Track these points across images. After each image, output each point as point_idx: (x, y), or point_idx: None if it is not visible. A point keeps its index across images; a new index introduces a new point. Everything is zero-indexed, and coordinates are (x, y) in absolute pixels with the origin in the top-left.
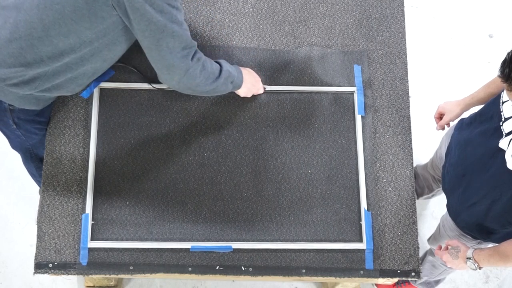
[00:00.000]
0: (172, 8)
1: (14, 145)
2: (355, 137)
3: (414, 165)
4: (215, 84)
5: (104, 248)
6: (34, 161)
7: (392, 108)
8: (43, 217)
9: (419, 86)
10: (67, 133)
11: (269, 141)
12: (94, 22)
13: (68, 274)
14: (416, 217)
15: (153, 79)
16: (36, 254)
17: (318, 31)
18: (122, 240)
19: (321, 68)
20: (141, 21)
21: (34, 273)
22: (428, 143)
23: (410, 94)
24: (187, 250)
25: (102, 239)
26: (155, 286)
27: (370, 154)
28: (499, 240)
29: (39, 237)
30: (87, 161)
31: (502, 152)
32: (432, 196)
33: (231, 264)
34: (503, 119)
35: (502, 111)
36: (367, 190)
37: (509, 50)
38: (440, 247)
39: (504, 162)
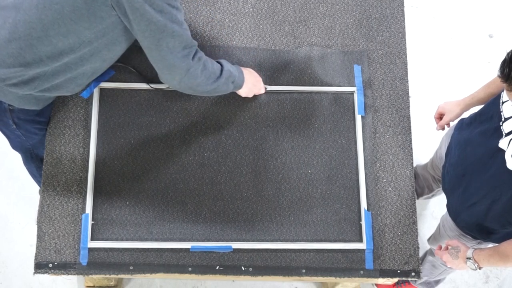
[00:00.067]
0: (172, 8)
1: (15, 145)
2: (355, 137)
3: (414, 165)
4: (216, 84)
5: (104, 248)
6: (34, 161)
7: (392, 108)
8: (43, 217)
9: (419, 86)
10: (67, 133)
11: (269, 141)
12: (93, 22)
13: (68, 274)
14: (416, 217)
15: (152, 79)
16: (36, 254)
17: (318, 31)
18: (122, 240)
19: (321, 68)
20: (141, 22)
21: (34, 273)
22: (428, 143)
23: (410, 94)
24: (187, 250)
25: (102, 239)
26: (155, 286)
27: (370, 154)
28: (499, 240)
29: (39, 237)
30: (87, 161)
31: (502, 152)
32: (432, 196)
33: (231, 264)
34: (503, 119)
35: (502, 111)
36: (367, 190)
37: (509, 50)
38: (440, 247)
39: (504, 162)
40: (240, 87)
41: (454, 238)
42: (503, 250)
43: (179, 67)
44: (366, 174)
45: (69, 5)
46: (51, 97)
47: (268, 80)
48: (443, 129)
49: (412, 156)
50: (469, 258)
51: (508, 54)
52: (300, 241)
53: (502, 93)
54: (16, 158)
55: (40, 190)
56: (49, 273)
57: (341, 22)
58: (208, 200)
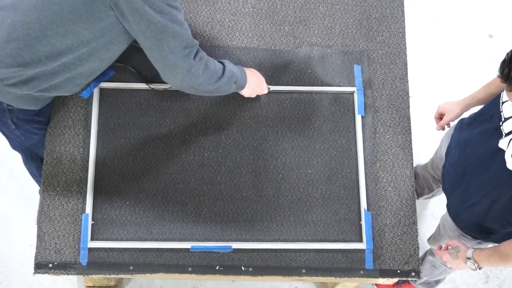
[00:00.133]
0: (172, 8)
1: (14, 145)
2: (355, 137)
3: (414, 165)
4: (218, 83)
5: (104, 248)
6: (34, 161)
7: (392, 108)
8: (43, 217)
9: (419, 86)
10: (67, 133)
11: (269, 141)
12: (92, 23)
13: (68, 274)
14: (416, 217)
15: (152, 79)
16: (36, 254)
17: (318, 31)
18: (122, 240)
19: (321, 68)
20: (141, 22)
21: (34, 273)
22: (428, 143)
23: (410, 94)
24: (187, 250)
25: (102, 239)
26: (155, 286)
27: (370, 154)
28: (499, 240)
29: (39, 237)
30: (87, 161)
31: (502, 152)
32: (432, 196)
33: (231, 264)
34: (503, 119)
35: (502, 111)
36: (367, 190)
37: (509, 50)
38: (440, 247)
39: (504, 162)
40: (242, 87)
41: (454, 238)
42: (503, 250)
43: (181, 67)
44: (366, 174)
45: (68, 5)
46: (50, 97)
47: (268, 80)
48: (443, 129)
49: (412, 156)
50: (469, 258)
51: (508, 54)
52: (300, 241)
53: (502, 93)
54: (16, 158)
55: (40, 190)
56: (49, 273)
57: (341, 22)
58: (208, 200)
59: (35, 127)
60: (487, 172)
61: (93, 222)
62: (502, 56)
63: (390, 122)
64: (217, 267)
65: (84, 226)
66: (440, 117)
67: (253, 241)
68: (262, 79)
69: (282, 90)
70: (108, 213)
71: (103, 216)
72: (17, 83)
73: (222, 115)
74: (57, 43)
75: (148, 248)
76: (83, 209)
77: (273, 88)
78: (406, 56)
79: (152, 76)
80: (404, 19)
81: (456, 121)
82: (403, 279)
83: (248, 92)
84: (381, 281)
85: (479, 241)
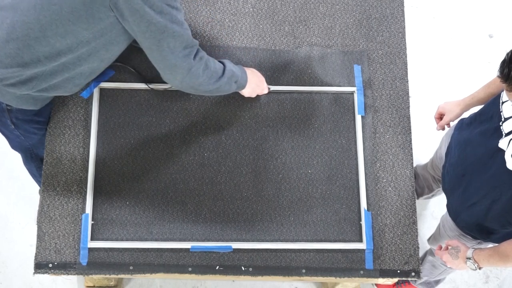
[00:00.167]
0: (172, 9)
1: (14, 145)
2: (355, 137)
3: (414, 165)
4: (218, 83)
5: (104, 248)
6: (34, 161)
7: (392, 108)
8: (43, 217)
9: (419, 86)
10: (67, 133)
11: (269, 141)
12: (91, 23)
13: (68, 274)
14: (416, 217)
15: (152, 79)
16: (36, 254)
17: (318, 31)
18: (122, 240)
19: (321, 68)
20: (141, 23)
21: (34, 273)
22: (428, 143)
23: (410, 94)
24: (187, 250)
25: (102, 239)
26: (155, 286)
27: (370, 154)
28: (499, 240)
29: (39, 237)
30: (87, 161)
31: (502, 152)
32: (432, 196)
33: (231, 264)
34: (502, 119)
35: (502, 111)
36: (367, 190)
37: (508, 51)
38: (440, 247)
39: (504, 162)
40: (243, 87)
41: (454, 238)
42: (503, 250)
43: (181, 67)
44: (366, 174)
45: (67, 6)
46: (49, 97)
47: (268, 80)
48: (443, 129)
49: (412, 156)
50: (469, 258)
51: (507, 54)
52: (300, 241)
53: (502, 93)
54: (16, 158)
55: (40, 190)
56: (49, 273)
57: (341, 22)
58: (208, 200)
59: (34, 127)
60: (487, 172)
61: (93, 222)
62: (502, 56)
63: (390, 122)
64: (217, 267)
65: (84, 226)
66: (440, 117)
67: (253, 241)
68: (262, 79)
69: (282, 90)
70: (108, 213)
71: (103, 216)
72: (16, 83)
73: (222, 115)
74: (57, 43)
75: (148, 248)
76: (83, 209)
77: (273, 88)
78: (406, 56)
79: (152, 76)
80: (404, 19)
81: (456, 121)
82: (403, 279)
83: (248, 92)
84: (381, 281)
85: (479, 241)
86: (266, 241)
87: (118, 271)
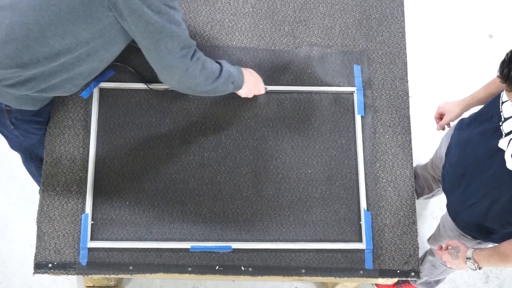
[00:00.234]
0: (170, 9)
1: (13, 145)
2: (355, 137)
3: (414, 165)
4: (215, 84)
5: (103, 248)
6: (34, 161)
7: (392, 108)
8: (43, 217)
9: (419, 86)
10: (67, 133)
11: (269, 141)
12: (90, 23)
13: (68, 274)
14: (416, 217)
15: (152, 79)
16: (36, 254)
17: (318, 31)
18: (121, 240)
19: (321, 68)
20: (139, 23)
21: (34, 273)
22: (428, 143)
23: (410, 94)
24: (186, 250)
25: (102, 239)
26: (155, 286)
27: (370, 154)
28: (499, 240)
29: (39, 237)
30: (87, 161)
31: (502, 152)
32: (432, 196)
33: (231, 264)
34: (502, 119)
35: (501, 111)
36: (367, 190)
37: (508, 51)
38: (441, 247)
39: (504, 162)
40: (240, 87)
41: (454, 238)
42: (503, 250)
43: (178, 67)
44: (366, 174)
45: (66, 6)
46: (49, 98)
47: (268, 80)
48: (443, 129)
49: (412, 156)
50: (469, 258)
51: (507, 54)
52: (300, 241)
53: (502, 93)
54: (16, 158)
55: (40, 190)
56: (49, 273)
57: (341, 22)
58: (207, 200)
59: (34, 127)
60: (487, 172)
61: (92, 222)
62: (502, 56)
63: (390, 122)
64: (217, 267)
65: (83, 226)
66: (440, 117)
67: (252, 241)
68: (259, 79)
69: (282, 90)
70: (108, 213)
71: (103, 216)
72: (15, 83)
73: (222, 115)
74: (56, 44)
75: (148, 248)
76: (83, 209)
77: (272, 88)
78: (406, 56)
79: (152, 76)
80: (404, 19)
81: (456, 121)
82: (403, 279)
83: (244, 92)
84: (381, 281)
85: (479, 241)
86: (265, 241)
87: (118, 271)
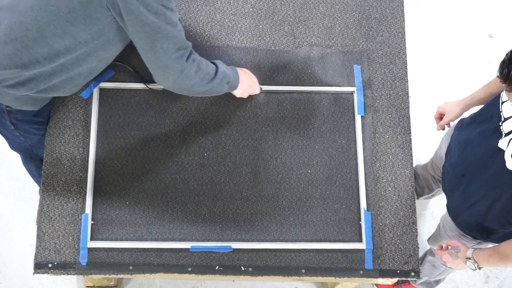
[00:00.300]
0: (167, 10)
1: (13, 146)
2: (355, 137)
3: (414, 165)
4: (210, 84)
5: (103, 248)
6: (34, 161)
7: (392, 108)
8: (43, 217)
9: (419, 86)
10: (67, 133)
11: (269, 141)
12: (89, 24)
13: (67, 274)
14: (416, 217)
15: (151, 79)
16: (36, 254)
17: (318, 31)
18: (121, 240)
19: (321, 68)
20: (135, 23)
21: (34, 273)
22: (428, 143)
23: (410, 94)
24: (186, 250)
25: (102, 239)
26: (155, 286)
27: (370, 154)
28: (499, 240)
29: (39, 237)
30: (87, 161)
31: (502, 152)
32: (432, 196)
33: (230, 264)
34: (502, 119)
35: (501, 111)
36: (366, 190)
37: (508, 51)
38: (441, 247)
39: (504, 162)
40: (235, 87)
41: (454, 238)
42: (503, 250)
43: (173, 68)
44: (365, 174)
45: (64, 6)
46: (49, 98)
47: (267, 80)
48: (443, 129)
49: (412, 156)
50: (469, 258)
51: (507, 54)
52: (300, 241)
53: (501, 93)
54: (16, 158)
55: (40, 190)
56: (49, 273)
57: (341, 22)
58: (207, 200)
59: (34, 127)
60: (487, 172)
61: (92, 222)
62: (502, 56)
63: (389, 122)
64: (217, 267)
65: (83, 226)
66: (440, 117)
67: (252, 241)
68: (254, 79)
69: (282, 90)
70: (108, 213)
71: (103, 216)
72: (15, 84)
73: (221, 115)
74: (55, 44)
75: (148, 248)
76: (83, 209)
77: (272, 88)
78: (406, 56)
79: (151, 76)
80: (404, 19)
81: (456, 121)
82: (403, 279)
83: (240, 92)
84: (381, 281)
85: (479, 241)
86: (265, 241)
87: (118, 271)
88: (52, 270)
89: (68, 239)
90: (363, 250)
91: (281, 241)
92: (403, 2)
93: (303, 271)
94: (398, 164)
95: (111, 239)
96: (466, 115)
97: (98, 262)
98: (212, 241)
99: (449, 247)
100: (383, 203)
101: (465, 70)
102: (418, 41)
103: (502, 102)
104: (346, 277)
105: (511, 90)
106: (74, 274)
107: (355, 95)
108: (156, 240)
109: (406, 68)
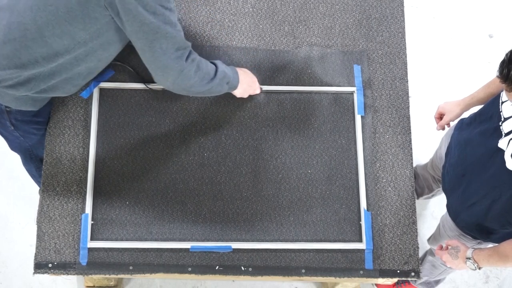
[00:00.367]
0: (165, 10)
1: (13, 146)
2: (355, 137)
3: (414, 165)
4: (210, 84)
5: (103, 248)
6: (33, 162)
7: (392, 108)
8: (43, 217)
9: (419, 86)
10: (67, 133)
11: (269, 141)
12: (87, 23)
13: (67, 274)
14: (416, 217)
15: (151, 79)
16: (36, 254)
17: (318, 31)
18: (121, 240)
19: (321, 68)
20: (134, 23)
21: (34, 273)
22: (428, 143)
23: (410, 94)
24: (186, 250)
25: (102, 239)
26: (155, 286)
27: (370, 154)
28: (498, 240)
29: (39, 237)
30: (87, 161)
31: (502, 152)
32: (432, 196)
33: (231, 264)
34: (502, 119)
35: (501, 111)
36: (367, 190)
37: (508, 51)
38: (441, 247)
39: (504, 162)
40: (235, 87)
41: (454, 238)
42: (503, 250)
43: (172, 68)
44: (365, 174)
45: (63, 6)
46: (48, 98)
47: (267, 80)
48: (443, 129)
49: (412, 156)
50: (469, 258)
51: (507, 54)
52: (300, 241)
53: (501, 93)
54: (16, 158)
55: (40, 190)
56: (49, 273)
57: (341, 22)
58: (207, 200)
59: (33, 127)
60: (487, 172)
61: (92, 222)
62: (502, 56)
63: (390, 122)
64: (217, 267)
65: (83, 226)
66: (440, 117)
67: (252, 241)
68: (254, 79)
69: (281, 90)
70: (108, 213)
71: (103, 216)
72: (14, 84)
73: (222, 115)
74: (54, 44)
75: (148, 248)
76: (83, 209)
77: (272, 88)
78: (406, 56)
79: (151, 76)
80: (404, 19)
81: (456, 121)
82: (403, 279)
83: (240, 92)
84: (381, 281)
85: (479, 241)
86: (265, 241)
87: (118, 271)
88: (52, 270)
89: (68, 239)
90: (363, 250)
91: (281, 241)
92: (403, 2)
93: (303, 271)
94: (398, 164)
95: (111, 239)
96: (466, 115)
97: (98, 262)
98: (212, 241)
99: (449, 247)
100: (383, 203)
101: (465, 70)
102: (418, 41)
103: (502, 102)
104: (346, 277)
105: (511, 90)
106: (74, 274)
107: (355, 95)
108: (156, 240)
109: (406, 68)
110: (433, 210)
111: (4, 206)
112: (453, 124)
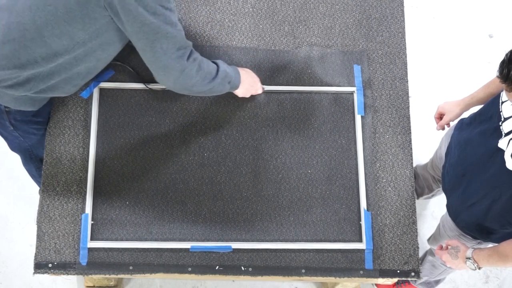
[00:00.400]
0: (166, 10)
1: (13, 147)
2: (355, 137)
3: (414, 165)
4: (211, 84)
5: (103, 248)
6: (33, 162)
7: (392, 108)
8: (43, 217)
9: (419, 86)
10: (67, 133)
11: (269, 141)
12: (87, 23)
13: (67, 274)
14: (416, 217)
15: (151, 79)
16: (36, 254)
17: (318, 31)
18: (121, 240)
19: (321, 68)
20: (134, 23)
21: (34, 273)
22: (428, 143)
23: (410, 94)
24: (186, 250)
25: (102, 239)
26: (155, 286)
27: (370, 154)
28: (498, 240)
29: (39, 237)
30: (87, 161)
31: (502, 152)
32: (432, 196)
33: (231, 264)
34: (502, 119)
35: (501, 111)
36: (367, 190)
37: (508, 51)
38: (441, 247)
39: (504, 162)
40: (236, 87)
41: (454, 238)
42: (503, 250)
43: (174, 68)
44: (366, 174)
45: (62, 6)
46: (47, 98)
47: (267, 80)
48: (443, 129)
49: (412, 156)
50: (469, 258)
51: (507, 54)
52: (300, 241)
53: (501, 93)
54: (16, 158)
55: (40, 190)
56: (49, 273)
57: (341, 22)
58: (207, 200)
59: (33, 127)
60: (487, 172)
61: (92, 222)
62: (502, 56)
63: (390, 122)
64: (217, 267)
65: (83, 226)
66: (440, 117)
67: (252, 241)
68: (256, 79)
69: (282, 90)
70: (108, 213)
71: (103, 216)
72: (13, 84)
73: (222, 115)
74: (53, 44)
75: (148, 248)
76: (83, 209)
77: (272, 88)
78: (406, 56)
79: (152, 76)
80: (404, 19)
81: (456, 121)
82: (403, 279)
83: (242, 92)
84: (381, 281)
85: (479, 241)
86: (265, 241)
87: (118, 271)
88: (52, 270)
89: (68, 239)
90: (363, 250)
91: (281, 241)
92: (403, 2)
93: (303, 271)
94: (398, 164)
95: (111, 239)
96: (466, 115)
97: (98, 262)
98: (212, 241)
99: (449, 247)
100: (383, 203)
101: (465, 70)
102: (418, 41)
103: (502, 102)
104: (346, 277)
105: (511, 90)
106: (74, 274)
107: (355, 95)
108: (156, 240)
109: (406, 68)
110: (433, 210)
111: (4, 206)
112: (453, 124)
